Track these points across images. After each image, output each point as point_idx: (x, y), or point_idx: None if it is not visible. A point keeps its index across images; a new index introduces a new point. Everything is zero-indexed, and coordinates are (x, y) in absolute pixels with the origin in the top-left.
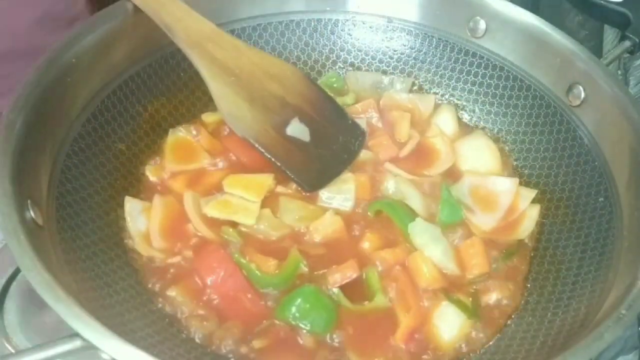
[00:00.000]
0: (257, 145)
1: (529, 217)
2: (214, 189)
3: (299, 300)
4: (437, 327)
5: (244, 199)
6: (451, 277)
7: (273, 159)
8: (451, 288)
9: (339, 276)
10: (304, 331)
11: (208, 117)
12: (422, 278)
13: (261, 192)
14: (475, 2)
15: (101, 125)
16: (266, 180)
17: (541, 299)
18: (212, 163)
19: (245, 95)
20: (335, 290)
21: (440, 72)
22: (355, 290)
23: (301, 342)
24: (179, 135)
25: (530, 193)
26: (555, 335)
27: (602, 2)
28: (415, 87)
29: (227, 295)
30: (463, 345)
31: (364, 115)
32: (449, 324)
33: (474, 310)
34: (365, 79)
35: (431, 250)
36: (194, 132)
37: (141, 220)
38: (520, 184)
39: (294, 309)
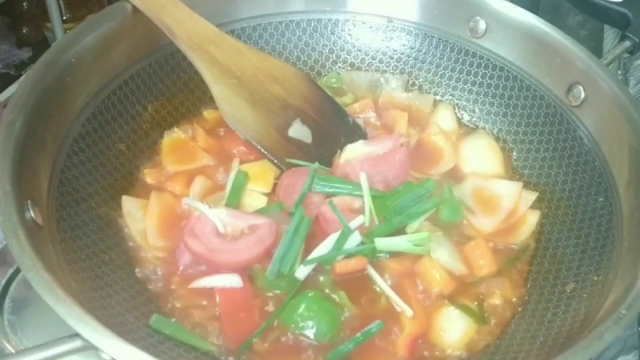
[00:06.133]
0: (259, 147)
1: (529, 222)
2: (216, 188)
3: (303, 306)
4: (443, 332)
5: (254, 192)
6: (461, 278)
7: (275, 161)
8: (458, 293)
9: (344, 264)
10: (308, 337)
11: (210, 114)
12: (434, 282)
13: (269, 180)
14: (475, 2)
15: (101, 125)
16: (268, 166)
17: (541, 299)
18: (210, 162)
19: (247, 97)
20: (341, 293)
21: (440, 72)
22: (359, 294)
23: (304, 347)
24: (175, 136)
25: (531, 196)
26: (555, 335)
27: (602, 2)
28: (415, 87)
29: (231, 302)
30: (466, 347)
31: (362, 115)
32: (455, 329)
33: (480, 315)
34: (361, 78)
35: (438, 254)
36: (190, 132)
37: (140, 218)
38: None
39: (297, 316)
